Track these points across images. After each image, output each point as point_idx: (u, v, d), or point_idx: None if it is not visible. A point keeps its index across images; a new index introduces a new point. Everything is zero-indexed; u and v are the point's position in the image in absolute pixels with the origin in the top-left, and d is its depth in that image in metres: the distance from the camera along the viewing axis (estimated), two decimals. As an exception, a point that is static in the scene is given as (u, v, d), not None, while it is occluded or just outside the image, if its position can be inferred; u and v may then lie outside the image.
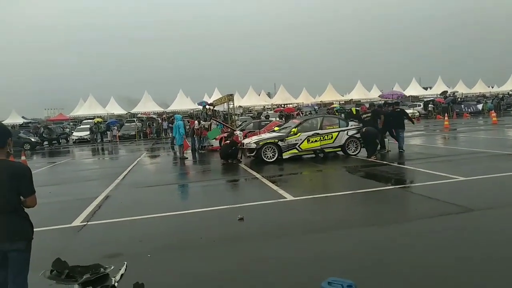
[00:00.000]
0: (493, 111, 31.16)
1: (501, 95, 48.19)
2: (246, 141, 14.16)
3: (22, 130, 34.71)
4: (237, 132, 17.20)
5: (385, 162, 11.40)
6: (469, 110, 37.36)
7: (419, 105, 41.21)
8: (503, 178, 8.17)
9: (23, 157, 16.68)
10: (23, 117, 62.17)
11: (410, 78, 66.22)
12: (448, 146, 15.08)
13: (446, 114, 28.72)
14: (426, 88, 66.24)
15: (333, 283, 2.90)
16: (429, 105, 38.95)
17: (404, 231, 5.30)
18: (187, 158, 15.88)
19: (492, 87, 67.19)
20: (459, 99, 44.19)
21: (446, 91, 52.33)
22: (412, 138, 19.00)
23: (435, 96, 51.25)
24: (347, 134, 13.19)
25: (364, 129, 12.75)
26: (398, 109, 14.62)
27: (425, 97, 50.91)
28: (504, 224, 5.37)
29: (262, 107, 59.55)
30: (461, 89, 60.35)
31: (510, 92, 55.97)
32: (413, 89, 62.92)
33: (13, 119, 57.88)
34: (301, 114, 31.20)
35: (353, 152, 13.15)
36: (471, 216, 5.75)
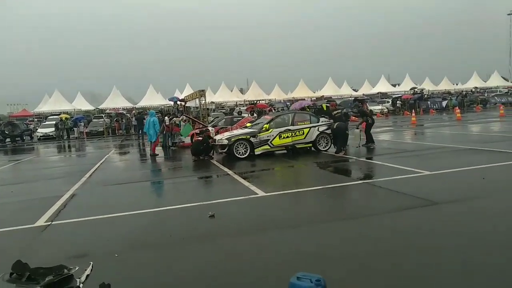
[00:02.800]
0: (457, 107, 32.40)
1: (464, 92, 50.12)
2: (218, 137, 14.06)
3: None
4: (210, 128, 17.07)
5: (354, 158, 11.61)
6: (435, 106, 38.69)
7: (388, 102, 42.27)
8: (467, 172, 8.48)
9: (-17, 155, 15.89)
10: (-17, 113, 59.31)
11: (379, 75, 67.94)
12: (415, 142, 15.55)
13: (413, 110, 29.61)
14: (394, 85, 68.05)
15: (302, 278, 2.90)
16: (397, 102, 40.02)
17: (371, 225, 5.40)
18: (157, 155, 15.61)
19: (457, 84, 69.83)
20: (426, 96, 45.61)
21: (415, 87, 53.92)
22: (380, 134, 19.46)
23: (403, 92, 52.69)
24: (318, 130, 13.34)
25: (335, 125, 12.92)
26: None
27: (394, 94, 52.24)
28: (467, 216, 5.57)
29: (235, 103, 59.41)
30: (427, 86, 62.41)
31: (473, 89, 58.32)
32: (382, 86, 64.56)
33: (-27, 115, 55.13)
34: (273, 110, 31.28)
35: (323, 147, 13.32)
36: (436, 209, 5.93)
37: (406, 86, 60.97)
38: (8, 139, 31.02)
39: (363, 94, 58.10)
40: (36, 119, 48.88)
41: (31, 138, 33.95)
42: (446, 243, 4.56)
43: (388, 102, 42.15)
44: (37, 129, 35.46)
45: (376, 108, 39.28)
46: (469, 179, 7.90)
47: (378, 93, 60.12)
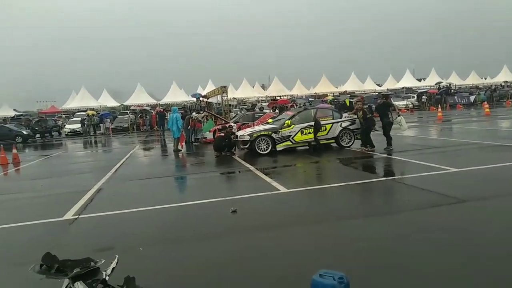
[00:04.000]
0: (485, 102, 31.37)
1: (493, 87, 48.42)
2: (239, 133, 14.11)
3: (14, 123, 34.40)
4: (232, 124, 17.15)
5: (378, 154, 11.42)
6: (462, 101, 37.57)
7: (413, 97, 41.34)
8: (496, 169, 8.21)
9: (14, 150, 16.48)
10: (14, 109, 61.48)
11: (404, 69, 66.45)
12: (441, 138, 15.15)
13: (439, 106, 28.88)
14: (420, 80, 66.42)
15: (324, 275, 2.88)
16: (423, 97, 39.08)
17: (396, 222, 5.31)
18: (181, 150, 15.81)
19: (485, 79, 67.50)
20: (453, 90, 44.33)
21: (441, 82, 52.49)
22: (405, 130, 19.06)
23: (429, 87, 51.40)
24: (340, 126, 13.18)
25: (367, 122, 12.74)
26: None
27: (419, 89, 51.01)
28: (496, 214, 5.40)
29: (256, 99, 59.43)
30: (454, 80, 60.57)
31: (503, 84, 56.28)
32: (407, 81, 63.10)
33: (5, 112, 57.20)
34: (295, 106, 31.14)
35: (346, 143, 13.15)
36: (464, 207, 5.77)
37: (432, 81, 59.38)
38: (38, 135, 32.08)
39: (387, 89, 56.95)
40: (64, 116, 50.33)
41: (59, 134, 35.01)
42: (474, 241, 4.43)
43: (413, 97, 41.23)
44: (65, 125, 36.54)
45: (400, 103, 38.53)
46: (498, 177, 7.64)
47: (402, 88, 58.83)
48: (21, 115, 51.03)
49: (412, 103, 38.66)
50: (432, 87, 50.09)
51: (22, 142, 27.87)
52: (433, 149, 11.89)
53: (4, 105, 60.66)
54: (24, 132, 29.55)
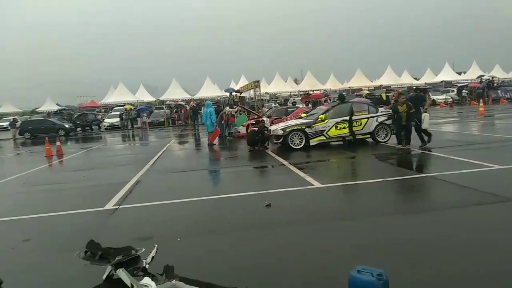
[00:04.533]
0: (532, 96, 29.65)
1: (541, 80, 45.69)
2: (273, 127, 14.11)
3: (57, 117, 36.02)
4: (264, 119, 17.18)
5: (416, 150, 11.09)
6: (507, 95, 35.68)
7: (452, 91, 39.71)
8: (544, 167, 7.78)
9: (58, 143, 17.28)
10: (57, 104, 64.43)
11: (443, 62, 63.95)
12: (483, 133, 14.49)
13: (481, 100, 27.57)
14: (459, 73, 63.71)
15: (362, 272, 2.85)
16: (463, 91, 37.45)
17: (436, 221, 5.15)
18: (215, 144, 16.01)
19: (532, 71, 63.76)
20: (495, 84, 42.16)
21: (483, 75, 50.06)
22: (444, 125, 18.40)
23: (469, 81, 49.20)
24: (376, 121, 12.89)
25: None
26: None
27: (459, 82, 48.92)
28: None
29: (289, 93, 59.14)
30: (497, 73, 57.56)
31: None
32: (446, 74, 60.78)
33: (48, 106, 60.16)
34: (328, 101, 30.73)
35: (382, 139, 12.86)
36: (509, 206, 5.51)
37: (473, 74, 56.83)
38: (79, 128, 33.46)
39: (425, 83, 55.07)
40: (103, 110, 52.16)
41: (99, 127, 36.33)
42: (520, 242, 4.24)
43: (452, 91, 39.62)
44: (104, 119, 37.87)
45: (439, 97, 37.15)
46: (547, 175, 7.24)
47: (441, 81, 56.67)
48: (63, 109, 53.31)
49: (451, 98, 37.18)
50: (473, 81, 47.91)
51: (64, 135, 29.15)
52: (475, 145, 11.41)
53: (48, 100, 63.76)
54: (67, 126, 30.92)
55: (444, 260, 3.92)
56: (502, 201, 5.68)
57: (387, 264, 3.75)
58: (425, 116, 11.52)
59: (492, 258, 3.89)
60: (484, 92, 35.10)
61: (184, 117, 34.56)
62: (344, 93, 25.89)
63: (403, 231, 4.85)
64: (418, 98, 12.31)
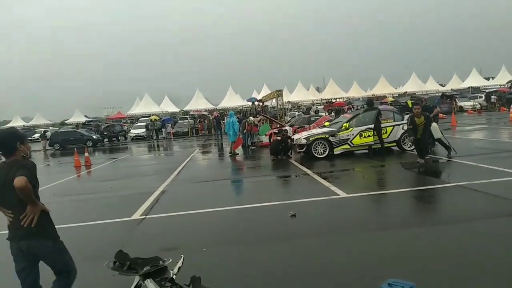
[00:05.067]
0: None
1: None
2: (296, 136, 14.07)
3: (85, 128, 37.09)
4: (287, 128, 17.15)
5: (444, 158, 10.80)
6: (539, 101, 34.32)
7: (480, 97, 38.56)
8: None
9: (86, 154, 17.77)
10: (85, 115, 66.44)
11: (470, 68, 62.30)
12: (515, 140, 13.98)
13: (511, 106, 26.60)
14: (488, 79, 61.85)
15: (393, 285, 2.79)
16: (492, 96, 36.31)
17: (468, 232, 4.98)
18: (237, 154, 16.09)
19: None
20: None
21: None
22: (472, 132, 17.88)
23: (498, 86, 47.65)
24: (402, 129, 12.65)
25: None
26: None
27: (487, 88, 47.47)
28: None
29: (311, 102, 58.87)
30: (528, 78, 55.64)
31: None
32: (473, 80, 59.09)
33: (77, 118, 62.10)
34: (352, 109, 30.42)
35: (409, 147, 12.59)
36: (545, 216, 5.28)
37: (502, 79, 55.09)
38: (106, 139, 34.34)
39: (451, 89, 53.69)
40: (129, 121, 53.38)
41: (125, 138, 37.17)
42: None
43: (480, 97, 38.47)
44: (130, 130, 38.74)
45: (467, 104, 36.16)
46: None
47: (468, 87, 55.17)
48: (91, 121, 54.94)
49: (479, 104, 36.11)
50: (502, 86, 46.37)
51: (92, 146, 29.97)
52: (505, 153, 11.01)
53: (76, 112, 65.80)
54: (94, 137, 31.83)
55: (477, 273, 3.78)
56: (538, 212, 5.45)
57: (418, 277, 3.65)
58: (433, 126, 11.11)
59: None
60: (514, 97, 33.90)
61: (201, 127, 34.93)
62: (372, 97, 25.47)
63: (432, 243, 4.72)
64: (424, 109, 11.89)
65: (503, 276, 3.72)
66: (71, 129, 36.20)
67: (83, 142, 29.78)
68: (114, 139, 35.01)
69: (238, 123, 17.35)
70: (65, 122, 64.28)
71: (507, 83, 48.37)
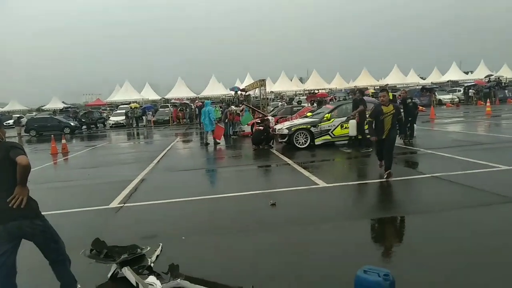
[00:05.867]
0: (540, 96, 29.38)
1: (549, 80, 45.24)
2: (278, 126, 14.09)
3: (62, 115, 36.22)
4: (269, 118, 17.14)
5: (421, 149, 11.02)
6: (514, 95, 35.35)
7: (459, 90, 39.43)
8: (551, 168, 7.70)
9: (63, 141, 17.37)
10: (63, 102, 64.82)
11: (450, 62, 63.52)
12: (490, 134, 14.37)
13: (488, 100, 27.34)
14: (467, 73, 63.22)
15: (368, 271, 2.83)
16: (470, 90, 37.16)
17: (440, 221, 5.11)
18: (219, 143, 15.91)
19: (540, 71, 63.12)
20: (503, 83, 41.79)
21: (491, 75, 49.62)
22: (450, 125, 18.29)
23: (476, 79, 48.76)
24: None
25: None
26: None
27: (466, 82, 48.52)
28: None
29: (294, 92, 58.99)
30: (505, 73, 57.03)
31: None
32: (453, 73, 60.30)
33: (54, 104, 60.52)
34: (334, 100, 30.61)
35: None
36: (515, 207, 5.47)
37: (480, 74, 56.30)
38: (84, 126, 33.62)
39: (431, 83, 54.70)
40: (108, 108, 52.37)
41: (104, 125, 36.48)
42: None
43: (459, 91, 39.34)
44: (109, 117, 38.02)
45: (445, 97, 36.89)
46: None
47: (448, 81, 56.28)
48: (69, 107, 53.63)
49: (458, 97, 36.93)
50: (479, 79, 47.46)
51: (70, 133, 29.30)
52: (481, 146, 11.32)
53: (54, 98, 64.13)
54: (72, 124, 31.09)
55: (450, 260, 3.89)
56: (508, 202, 5.63)
57: (393, 265, 3.73)
58: (350, 124, 12.01)
59: (495, 262, 3.85)
60: (491, 91, 34.81)
61: (182, 116, 34.60)
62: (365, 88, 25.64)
63: (408, 231, 4.83)
64: (356, 102, 12.27)
65: (475, 263, 3.83)
66: (48, 116, 35.24)
67: (61, 129, 29.06)
68: (93, 126, 34.35)
69: (214, 112, 16.97)
70: (42, 108, 62.57)
71: (485, 77, 49.47)
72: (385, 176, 7.52)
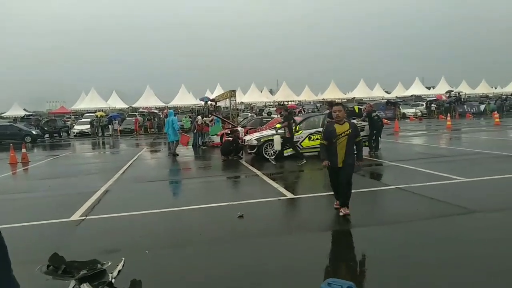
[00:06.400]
0: (495, 112, 31.08)
1: (504, 96, 47.98)
2: (247, 137, 14.11)
3: (23, 123, 34.76)
4: (239, 129, 17.15)
5: (386, 162, 11.34)
6: (472, 110, 37.25)
7: (422, 105, 41.10)
8: (506, 180, 8.10)
9: (23, 150, 16.62)
10: (24, 109, 62.24)
11: (413, 77, 66.23)
12: (450, 147, 15.00)
13: (448, 114, 28.63)
14: (429, 88, 66.14)
15: (332, 284, 2.85)
16: (432, 105, 38.80)
17: (403, 232, 5.24)
18: (177, 155, 15.55)
19: (496, 88, 66.98)
20: (462, 99, 43.97)
21: (451, 91, 52.08)
22: (413, 138, 18.95)
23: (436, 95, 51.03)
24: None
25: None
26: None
27: (428, 97, 50.69)
28: (506, 226, 5.31)
29: (264, 103, 59.50)
30: (464, 89, 60.18)
31: (514, 93, 55.71)
32: (416, 88, 62.93)
33: (15, 112, 57.99)
34: (303, 112, 31.10)
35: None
36: (473, 217, 5.69)
37: (441, 89, 59.09)
38: (47, 135, 32.37)
39: (396, 97, 56.77)
40: (73, 116, 50.80)
41: (68, 134, 35.28)
42: (483, 253, 4.36)
43: (422, 105, 41.01)
44: (73, 126, 36.83)
45: (409, 111, 38.31)
46: (508, 187, 7.53)
47: (411, 95, 58.58)
48: (31, 115, 51.59)
49: (421, 111, 38.46)
50: (441, 94, 49.74)
51: (31, 142, 28.12)
52: (442, 158, 11.78)
53: (15, 105, 61.50)
54: (34, 132, 29.84)
55: (412, 273, 3.98)
56: (466, 213, 5.86)
57: (358, 277, 3.77)
58: (275, 139, 12.40)
59: (459, 270, 3.98)
60: (451, 106, 36.51)
61: (150, 125, 34.09)
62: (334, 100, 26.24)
63: (372, 243, 4.91)
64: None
65: (437, 274, 3.94)
66: (8, 123, 33.71)
67: (21, 137, 27.81)
68: (56, 135, 33.12)
69: (177, 123, 16.63)
70: (1, 115, 59.81)
71: (446, 92, 51.88)
72: (341, 214, 5.98)
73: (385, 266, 4.16)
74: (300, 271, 4.15)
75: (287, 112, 12.89)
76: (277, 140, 12.42)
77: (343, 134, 5.92)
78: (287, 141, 12.24)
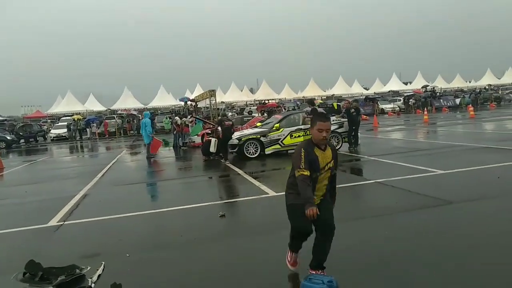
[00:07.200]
0: (470, 105, 31.94)
1: (478, 90, 49.32)
2: (228, 137, 14.05)
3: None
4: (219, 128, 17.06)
5: (365, 157, 11.50)
6: (448, 104, 38.18)
7: (399, 100, 41.87)
8: (481, 171, 8.33)
9: (-2, 156, 16.15)
10: (-2, 114, 60.36)
11: (391, 73, 67.37)
12: (427, 140, 15.34)
13: (425, 109, 29.28)
14: (406, 83, 67.39)
15: (313, 279, 2.87)
16: (410, 100, 39.61)
17: (383, 225, 5.33)
18: (153, 156, 15.31)
19: (470, 82, 68.79)
20: (438, 93, 45.04)
21: (427, 85, 53.27)
22: (392, 133, 19.29)
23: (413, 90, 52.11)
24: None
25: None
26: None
27: (405, 92, 51.69)
28: (482, 216, 5.46)
29: (245, 103, 59.47)
30: (440, 83, 61.61)
31: (487, 87, 57.36)
32: (394, 84, 63.98)
33: (-12, 117, 56.17)
34: (283, 110, 31.22)
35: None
36: (450, 208, 5.83)
37: (418, 84, 60.25)
38: (22, 140, 31.50)
39: (374, 93, 57.62)
40: (49, 120, 49.57)
41: (45, 139, 34.44)
42: (462, 243, 4.47)
43: (399, 100, 41.78)
44: (50, 130, 35.97)
45: (387, 106, 38.98)
46: (483, 178, 7.75)
47: (389, 91, 59.60)
48: (5, 119, 50.06)
49: (398, 106, 39.18)
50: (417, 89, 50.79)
51: (5, 147, 27.33)
52: (420, 152, 12.02)
53: (-12, 110, 59.58)
54: (8, 137, 28.98)
55: (393, 265, 4.04)
56: (444, 204, 6.00)
57: (339, 270, 3.80)
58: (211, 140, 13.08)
59: (439, 261, 4.07)
60: (427, 101, 37.33)
61: (129, 127, 33.65)
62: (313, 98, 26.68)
63: (355, 237, 4.97)
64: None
65: (415, 264, 4.01)
66: (-19, 129, 32.72)
67: (-5, 143, 27.05)
68: (32, 139, 32.27)
69: (150, 125, 16.20)
70: (-26, 121, 57.88)
71: (422, 87, 53.00)
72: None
73: (365, 259, 4.21)
74: (282, 268, 4.16)
75: (312, 105, 13.72)
76: (213, 142, 13.06)
77: (326, 168, 3.90)
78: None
